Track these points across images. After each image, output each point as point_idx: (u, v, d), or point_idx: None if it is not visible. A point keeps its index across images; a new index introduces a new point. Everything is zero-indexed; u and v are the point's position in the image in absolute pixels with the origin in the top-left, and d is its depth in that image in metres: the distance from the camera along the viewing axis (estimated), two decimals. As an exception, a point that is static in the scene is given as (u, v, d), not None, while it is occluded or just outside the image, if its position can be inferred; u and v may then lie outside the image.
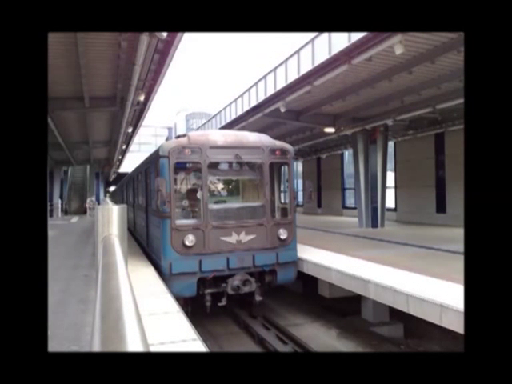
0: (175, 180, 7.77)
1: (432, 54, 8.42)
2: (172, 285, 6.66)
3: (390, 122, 13.15)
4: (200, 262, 7.13)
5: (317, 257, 8.33)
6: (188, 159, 7.57)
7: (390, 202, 17.05)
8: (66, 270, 7.53)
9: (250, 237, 7.50)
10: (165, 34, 7.27)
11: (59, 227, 17.22)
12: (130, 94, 10.23)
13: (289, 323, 7.95)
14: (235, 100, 16.48)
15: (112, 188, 46.14)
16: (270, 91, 12.51)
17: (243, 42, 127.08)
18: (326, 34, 9.14)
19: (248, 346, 7.14)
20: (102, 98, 12.10)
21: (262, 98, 13.27)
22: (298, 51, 10.59)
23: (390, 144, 16.46)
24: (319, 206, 23.71)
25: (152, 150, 11.37)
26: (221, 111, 18.98)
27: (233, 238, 7.37)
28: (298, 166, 25.73)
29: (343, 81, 10.53)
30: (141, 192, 11.23)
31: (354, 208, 18.37)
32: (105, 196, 34.41)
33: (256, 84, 13.83)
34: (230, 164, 8.14)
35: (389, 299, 6.00)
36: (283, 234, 7.77)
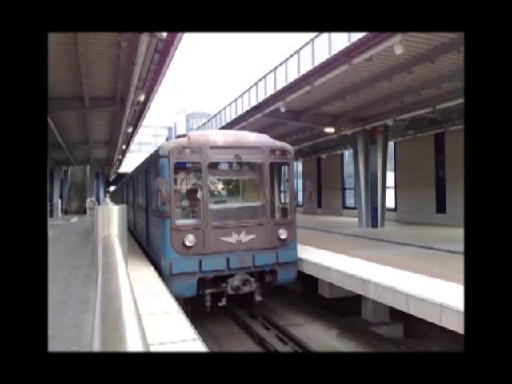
0: (175, 180, 7.76)
1: (432, 54, 8.42)
2: (172, 285, 6.66)
3: (390, 122, 13.15)
4: (200, 262, 7.13)
5: (317, 257, 8.33)
6: (188, 159, 7.57)
7: (390, 202, 17.05)
8: (66, 269, 7.53)
9: (250, 237, 7.49)
10: (165, 34, 7.28)
11: (59, 227, 17.22)
12: (130, 94, 10.23)
13: (289, 323, 7.94)
14: (235, 100, 16.48)
15: (112, 188, 46.15)
16: (270, 91, 12.51)
17: (243, 42, 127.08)
18: (326, 34, 9.14)
19: (248, 346, 7.14)
20: (102, 98, 12.10)
21: (262, 97, 13.27)
22: (298, 51, 10.59)
23: (390, 144, 16.46)
24: (319, 206, 23.71)
25: (152, 150, 11.37)
26: (221, 111, 18.99)
27: (233, 238, 7.36)
28: (298, 166, 25.73)
29: (343, 81, 10.52)
30: (141, 192, 11.22)
31: (354, 208, 18.37)
32: (105, 196, 34.40)
33: (256, 84, 13.83)
34: (230, 164, 8.13)
35: (389, 299, 6.00)
36: (283, 234, 7.77)
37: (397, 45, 7.28)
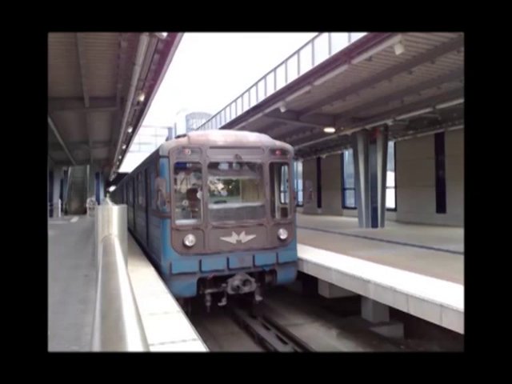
0: (175, 180, 7.76)
1: (432, 54, 8.42)
2: (172, 285, 6.66)
3: (390, 122, 13.15)
4: (200, 262, 7.13)
5: (317, 257, 8.33)
6: (188, 159, 7.57)
7: (390, 202, 17.05)
8: (66, 269, 7.53)
9: (250, 237, 7.49)
10: (165, 34, 7.28)
11: (59, 227, 17.22)
12: (130, 94, 10.23)
13: (289, 323, 7.94)
14: (235, 100, 16.48)
15: (112, 188, 46.15)
16: (270, 91, 12.51)
17: (243, 42, 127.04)
18: (326, 34, 9.14)
19: (248, 346, 7.13)
20: (102, 98, 12.10)
21: (262, 97, 13.27)
22: (298, 51, 10.59)
23: (390, 144, 16.46)
24: (319, 206, 23.71)
25: (152, 150, 11.37)
26: (221, 111, 18.99)
27: (233, 238, 7.36)
28: (298, 166, 25.73)
29: (343, 81, 10.52)
30: (141, 192, 11.23)
31: (354, 208, 18.37)
32: (105, 196, 34.40)
33: (256, 84, 13.83)
34: (230, 164, 8.13)
35: (389, 299, 6.00)
36: (283, 234, 7.76)
37: (397, 45, 7.28)
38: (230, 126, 16.87)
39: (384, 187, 14.81)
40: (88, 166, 29.07)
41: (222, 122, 18.28)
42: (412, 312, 5.53)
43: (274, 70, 12.23)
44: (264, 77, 13.09)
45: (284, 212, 8.47)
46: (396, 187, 17.80)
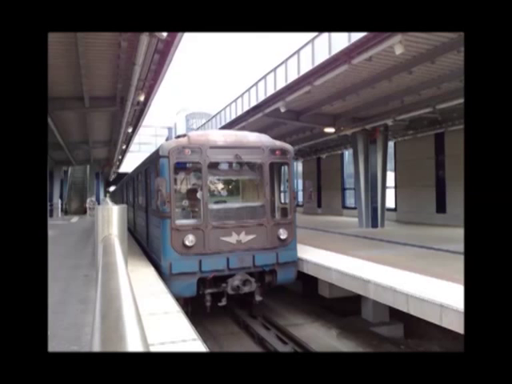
0: (175, 180, 7.76)
1: (432, 54, 8.42)
2: (172, 285, 6.66)
3: (390, 122, 13.14)
4: (200, 262, 7.13)
5: (317, 257, 8.33)
6: (188, 159, 7.57)
7: (390, 202, 17.05)
8: (66, 269, 7.53)
9: (250, 237, 7.49)
10: (165, 34, 7.28)
11: (59, 227, 17.22)
12: (130, 94, 10.23)
13: (289, 323, 7.94)
14: (235, 100, 16.48)
15: (112, 188, 46.16)
16: (270, 91, 12.51)
17: (243, 42, 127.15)
18: (326, 34, 9.14)
19: (248, 346, 7.14)
20: (102, 98, 12.10)
21: (262, 97, 13.27)
22: (298, 51, 10.59)
23: (390, 144, 16.46)
24: (319, 206, 23.71)
25: (152, 150, 11.37)
26: (221, 111, 18.98)
27: (233, 238, 7.36)
28: (298, 166, 25.73)
29: (343, 81, 10.52)
30: (141, 192, 11.23)
31: (354, 208, 18.37)
32: (105, 196, 34.40)
33: (256, 84, 13.82)
34: (230, 164, 8.13)
35: (389, 299, 6.00)
36: (283, 234, 7.77)
37: (397, 45, 7.28)
38: (230, 126, 16.86)
39: (384, 187, 14.81)
40: (88, 166, 29.08)
41: (222, 121, 18.28)
42: (412, 312, 5.52)
43: (274, 70, 12.23)
44: (264, 77, 13.09)
45: (284, 212, 8.47)
46: (396, 187, 17.80)
